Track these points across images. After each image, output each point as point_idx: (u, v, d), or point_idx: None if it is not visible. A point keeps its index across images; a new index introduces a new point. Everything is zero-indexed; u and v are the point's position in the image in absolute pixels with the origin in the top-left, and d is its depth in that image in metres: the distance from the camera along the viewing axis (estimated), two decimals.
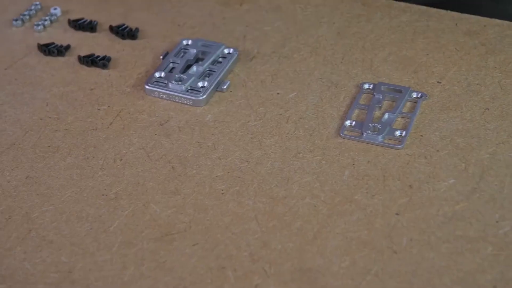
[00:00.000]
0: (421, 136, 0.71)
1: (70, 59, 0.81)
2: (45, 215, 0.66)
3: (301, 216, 0.65)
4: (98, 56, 0.80)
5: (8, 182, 0.69)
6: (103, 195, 0.67)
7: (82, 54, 0.81)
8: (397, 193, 0.66)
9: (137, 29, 0.84)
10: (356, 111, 0.74)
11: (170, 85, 0.76)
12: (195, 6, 0.88)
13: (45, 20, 0.85)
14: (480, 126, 0.71)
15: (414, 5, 0.86)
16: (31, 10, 0.87)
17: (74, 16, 0.86)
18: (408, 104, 0.74)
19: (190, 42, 0.81)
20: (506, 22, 0.82)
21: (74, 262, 0.62)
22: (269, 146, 0.71)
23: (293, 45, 0.82)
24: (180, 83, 0.76)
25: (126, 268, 0.62)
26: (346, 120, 0.72)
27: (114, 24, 0.84)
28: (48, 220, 0.65)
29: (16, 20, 0.85)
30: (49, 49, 0.81)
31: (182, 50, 0.80)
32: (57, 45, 0.82)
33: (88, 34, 0.84)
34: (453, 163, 0.68)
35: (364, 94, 0.75)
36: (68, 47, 0.82)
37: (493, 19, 0.83)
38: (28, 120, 0.75)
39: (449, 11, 0.85)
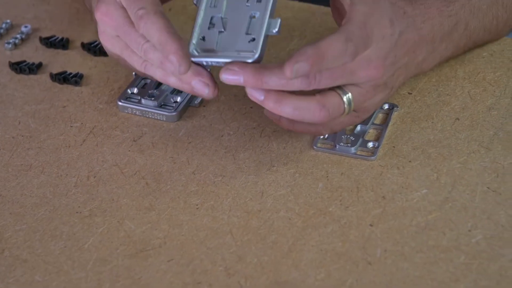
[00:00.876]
0: (394, 147, 0.72)
1: (42, 77, 0.81)
2: (19, 234, 0.65)
3: (276, 229, 0.65)
4: (70, 73, 0.80)
5: None
6: (77, 212, 0.67)
7: (54, 71, 0.81)
8: (370, 204, 0.67)
9: None
10: None
11: (143, 101, 0.76)
12: None
13: (16, 38, 0.85)
14: (451, 136, 0.72)
15: None
16: (1, 28, 0.86)
17: (45, 34, 0.86)
18: (380, 115, 0.75)
19: None
20: None
21: (48, 280, 0.62)
22: (243, 160, 0.71)
23: (265, 59, 0.82)
24: (152, 99, 0.76)
25: (101, 285, 0.61)
26: None
27: (85, 41, 0.84)
28: (21, 239, 0.65)
29: None
30: (21, 67, 0.81)
31: None
32: (28, 63, 0.82)
33: (59, 51, 0.84)
34: (425, 173, 0.69)
35: None
36: (40, 65, 0.82)
37: None
38: (0, 138, 0.74)
39: None
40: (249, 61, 0.64)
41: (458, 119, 0.74)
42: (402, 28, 0.68)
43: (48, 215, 0.67)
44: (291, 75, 0.62)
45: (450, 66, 0.79)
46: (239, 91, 0.78)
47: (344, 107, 0.66)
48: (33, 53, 0.84)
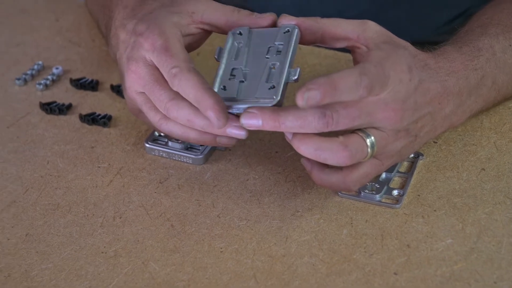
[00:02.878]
0: (419, 195, 0.72)
1: (71, 118, 0.82)
2: (44, 273, 0.66)
3: (299, 275, 0.65)
4: (99, 115, 0.81)
5: (8, 239, 0.69)
6: (102, 252, 0.68)
7: (83, 112, 0.82)
8: (395, 253, 0.67)
9: None
10: None
11: (169, 143, 0.77)
12: None
13: (47, 79, 0.87)
14: (477, 186, 0.72)
15: None
16: (33, 69, 0.88)
17: (75, 75, 0.88)
18: (405, 163, 0.75)
19: None
20: None
21: None
22: (268, 204, 0.72)
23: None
24: (179, 141, 0.77)
25: None
26: None
27: (114, 83, 0.86)
28: (47, 278, 0.65)
29: (19, 79, 0.87)
30: (51, 108, 0.83)
31: None
32: (58, 103, 0.83)
33: (89, 93, 0.86)
34: (451, 223, 0.69)
35: None
36: (69, 106, 0.83)
37: None
38: (29, 177, 0.75)
39: None
40: (269, 105, 0.65)
41: (484, 170, 0.74)
42: (423, 77, 0.68)
43: (73, 255, 0.67)
44: (302, 103, 0.62)
45: (476, 116, 0.79)
46: (264, 136, 0.79)
47: (368, 150, 0.66)
48: (63, 94, 0.86)
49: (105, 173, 0.75)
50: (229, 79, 0.69)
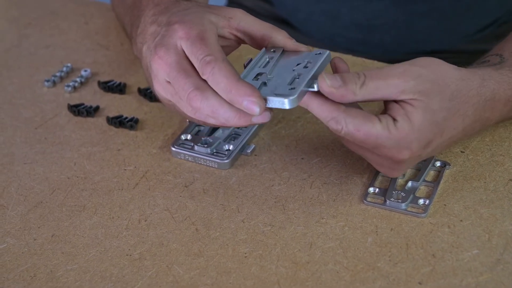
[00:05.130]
0: (445, 205, 0.71)
1: (98, 120, 0.83)
2: (69, 273, 0.66)
3: (323, 282, 0.65)
4: (126, 118, 0.82)
5: (34, 240, 0.70)
6: (127, 255, 0.68)
7: (111, 115, 0.83)
8: (420, 262, 0.66)
9: None
10: (380, 178, 0.74)
11: (196, 147, 0.77)
12: None
13: (76, 81, 0.87)
14: (504, 197, 0.72)
15: None
16: (62, 71, 0.89)
17: (103, 78, 0.88)
18: (432, 172, 0.75)
19: None
20: None
21: None
22: (293, 210, 0.71)
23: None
24: (205, 146, 0.77)
25: None
26: (369, 187, 0.73)
27: (142, 86, 0.86)
28: (72, 279, 0.66)
29: (48, 81, 0.88)
30: (79, 110, 0.83)
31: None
32: (86, 106, 0.84)
33: (117, 96, 0.86)
34: (477, 233, 0.68)
35: None
36: (97, 108, 0.84)
37: None
38: (56, 178, 0.76)
39: None
40: (286, 100, 0.65)
41: None
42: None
43: (99, 256, 0.68)
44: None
45: (504, 126, 0.78)
46: (290, 142, 0.79)
47: None
48: (91, 96, 0.86)
49: (131, 176, 0.76)
50: (253, 79, 0.69)
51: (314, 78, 0.67)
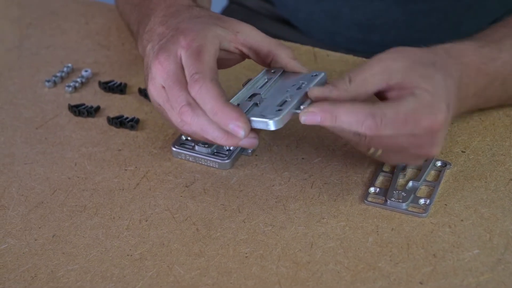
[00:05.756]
0: (445, 205, 0.71)
1: (99, 120, 0.83)
2: (70, 274, 0.66)
3: (324, 282, 0.65)
4: (126, 118, 0.82)
5: (35, 240, 0.70)
6: (128, 255, 0.68)
7: (111, 115, 0.83)
8: (421, 262, 0.66)
9: None
10: (381, 178, 0.74)
11: (196, 147, 0.77)
12: None
13: (76, 81, 0.87)
14: (505, 196, 0.72)
15: None
16: (63, 71, 0.89)
17: (104, 78, 0.88)
18: (433, 172, 0.75)
19: None
20: None
21: None
22: (293, 210, 0.71)
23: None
24: (206, 146, 0.77)
25: None
26: (370, 187, 0.73)
27: (143, 86, 0.86)
28: (73, 279, 0.66)
29: (48, 81, 0.88)
30: (79, 110, 0.83)
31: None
32: (87, 106, 0.84)
33: (117, 96, 0.86)
34: (478, 233, 0.68)
35: None
36: (97, 108, 0.84)
37: None
38: (57, 179, 0.76)
39: None
40: (268, 123, 0.66)
41: None
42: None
43: (99, 257, 0.68)
44: (302, 119, 0.66)
45: (505, 126, 0.78)
46: (291, 142, 0.79)
47: None
48: (92, 96, 0.86)
49: (131, 176, 0.76)
50: (246, 100, 0.70)
51: (304, 100, 0.68)
